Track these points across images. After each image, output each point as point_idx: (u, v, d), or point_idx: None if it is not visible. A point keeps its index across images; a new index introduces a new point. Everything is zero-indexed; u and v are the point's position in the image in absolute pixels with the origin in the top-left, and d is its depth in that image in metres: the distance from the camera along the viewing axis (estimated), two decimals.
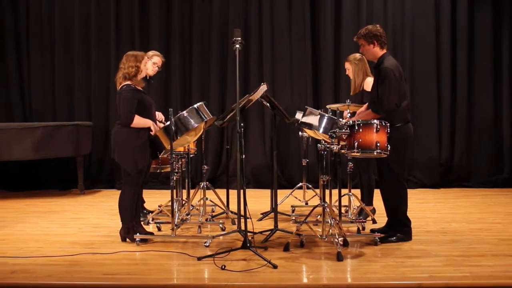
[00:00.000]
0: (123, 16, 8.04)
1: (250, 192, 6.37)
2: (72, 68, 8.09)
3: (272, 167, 5.29)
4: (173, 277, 3.82)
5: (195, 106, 4.68)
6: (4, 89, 8.13)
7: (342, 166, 5.35)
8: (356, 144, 4.29)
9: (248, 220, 4.23)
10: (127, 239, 4.63)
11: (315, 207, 4.58)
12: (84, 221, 5.67)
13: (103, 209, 6.29)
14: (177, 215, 4.93)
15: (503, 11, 7.88)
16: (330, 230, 4.33)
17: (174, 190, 4.73)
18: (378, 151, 4.25)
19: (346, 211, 5.44)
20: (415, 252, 4.24)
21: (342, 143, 4.46)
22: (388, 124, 4.32)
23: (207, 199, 5.67)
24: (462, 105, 7.92)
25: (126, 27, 8.02)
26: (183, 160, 5.44)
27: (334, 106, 5.26)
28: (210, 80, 8.01)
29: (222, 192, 5.91)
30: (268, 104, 5.09)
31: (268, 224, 5.27)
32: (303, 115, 4.89)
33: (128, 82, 4.58)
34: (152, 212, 5.55)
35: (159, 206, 5.64)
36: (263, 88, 4.69)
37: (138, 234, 4.58)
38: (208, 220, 5.41)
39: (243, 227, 4.27)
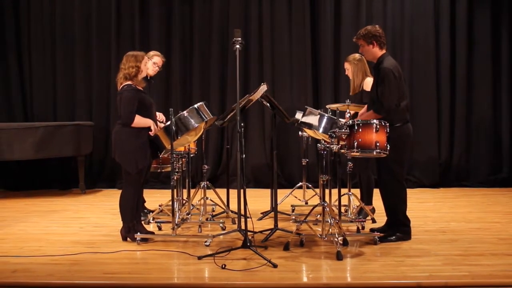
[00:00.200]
0: (123, 16, 8.05)
1: (250, 192, 6.38)
2: (73, 68, 8.11)
3: (272, 166, 5.31)
4: (174, 276, 3.84)
5: (196, 106, 4.69)
6: (5, 89, 8.15)
7: (342, 166, 5.37)
8: (355, 143, 4.30)
9: (248, 219, 4.25)
10: (128, 239, 4.65)
11: (315, 206, 4.59)
12: (85, 220, 5.69)
13: (104, 209, 6.31)
14: (177, 214, 4.95)
15: (502, 12, 7.89)
16: (330, 230, 4.34)
17: (175, 190, 4.74)
18: (378, 151, 4.26)
19: (346, 211, 5.46)
20: (414, 251, 4.26)
21: (341, 143, 4.47)
22: (388, 124, 4.34)
23: (207, 198, 5.69)
24: (461, 105, 7.93)
25: (127, 27, 8.04)
26: (183, 159, 5.45)
27: (333, 106, 5.27)
28: (210, 80, 8.03)
29: (222, 192, 5.92)
30: (268, 104, 5.10)
31: (268, 223, 5.29)
32: (303, 115, 4.91)
33: (129, 82, 4.60)
34: (152, 211, 5.56)
35: (159, 206, 5.65)
36: (263, 88, 4.70)
37: (138, 233, 4.60)
38: (209, 219, 5.43)
39: (243, 227, 4.29)
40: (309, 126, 4.83)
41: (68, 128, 7.25)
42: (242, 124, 4.27)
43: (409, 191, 4.77)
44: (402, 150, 4.50)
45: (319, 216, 4.72)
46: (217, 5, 8.00)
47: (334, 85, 7.91)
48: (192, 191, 5.77)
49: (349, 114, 4.99)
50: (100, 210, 6.27)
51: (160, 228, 5.17)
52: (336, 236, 4.26)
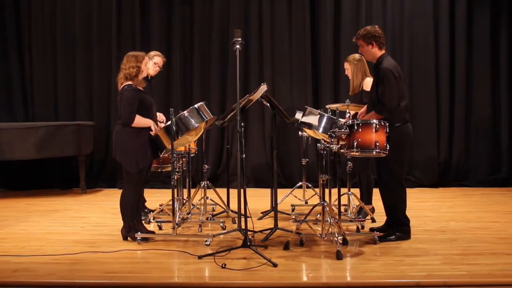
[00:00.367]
0: (124, 16, 8.07)
1: (250, 191, 6.40)
2: (73, 68, 8.13)
3: (272, 166, 5.32)
4: (174, 276, 3.85)
5: (196, 106, 4.71)
6: (6, 89, 8.17)
7: (342, 166, 5.38)
8: (355, 143, 4.31)
9: (248, 219, 4.26)
10: (129, 238, 4.67)
11: (314, 206, 4.59)
12: (86, 220, 5.70)
13: (105, 208, 6.32)
14: (178, 214, 4.96)
15: (501, 12, 7.90)
16: (330, 229, 4.36)
17: (175, 189, 4.76)
18: (377, 150, 4.27)
19: (346, 210, 5.48)
20: (414, 251, 4.27)
21: (341, 142, 4.48)
22: (387, 123, 4.35)
23: (207, 198, 5.70)
24: (460, 105, 7.94)
25: (127, 27, 8.06)
26: (183, 159, 5.47)
27: (333, 106, 5.28)
28: (210, 80, 8.05)
29: (222, 191, 5.93)
30: (268, 104, 5.12)
31: (268, 223, 5.30)
32: (303, 115, 4.92)
33: (129, 82, 4.62)
34: (153, 211, 5.58)
35: (160, 205, 5.67)
36: (263, 88, 4.72)
37: (139, 233, 4.62)
38: (209, 219, 5.44)
39: (243, 226, 4.31)
40: (309, 126, 4.84)
41: (69, 128, 7.27)
42: (242, 124, 4.28)
43: (409, 191, 4.79)
44: (401, 150, 4.51)
45: (319, 215, 4.73)
46: (217, 5, 8.02)
47: (334, 85, 7.92)
48: (193, 190, 5.78)
49: (348, 114, 5.02)
50: (101, 209, 6.29)
51: (160, 228, 5.19)
52: (336, 235, 4.27)
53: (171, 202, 4.82)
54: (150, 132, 4.61)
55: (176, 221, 4.74)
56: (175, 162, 4.77)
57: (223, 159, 7.94)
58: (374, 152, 4.29)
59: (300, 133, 6.13)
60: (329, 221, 4.35)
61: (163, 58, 5.69)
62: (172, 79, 8.04)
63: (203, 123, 4.74)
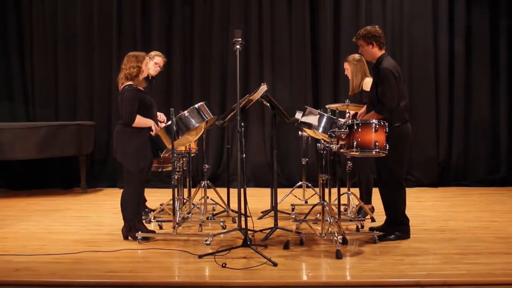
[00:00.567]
0: (125, 16, 8.08)
1: (250, 191, 6.40)
2: (74, 68, 8.15)
3: (272, 166, 5.33)
4: (174, 275, 3.87)
5: (196, 106, 4.72)
6: (7, 89, 8.18)
7: (341, 165, 5.40)
8: (355, 143, 4.33)
9: (248, 218, 4.26)
10: (129, 237, 4.69)
11: (314, 205, 4.60)
12: (87, 219, 5.72)
13: (105, 208, 6.34)
14: (178, 213, 4.98)
15: (500, 12, 7.91)
16: (330, 229, 4.37)
17: (176, 189, 4.77)
18: (377, 150, 4.29)
19: (345, 210, 5.49)
20: (413, 250, 4.28)
21: (341, 142, 4.50)
22: (387, 123, 4.36)
23: (208, 197, 5.71)
24: (459, 105, 7.96)
25: (128, 28, 8.07)
26: (184, 159, 5.48)
27: (333, 106, 5.29)
28: (210, 80, 8.06)
29: (222, 191, 5.94)
30: (268, 104, 5.13)
31: (268, 222, 5.31)
32: (303, 115, 4.93)
33: (130, 82, 4.63)
34: (153, 210, 5.60)
35: (160, 205, 5.68)
36: (263, 88, 4.73)
37: (139, 232, 4.63)
38: (209, 218, 5.46)
39: (243, 225, 4.32)
40: (309, 126, 4.85)
41: (70, 127, 7.29)
42: (242, 124, 4.30)
43: (408, 191, 4.80)
44: (401, 150, 4.52)
45: (318, 215, 4.74)
46: (217, 5, 8.03)
47: (334, 85, 7.94)
48: (193, 190, 5.79)
49: (348, 114, 5.03)
50: (102, 209, 6.30)
51: (161, 227, 5.21)
52: (336, 235, 4.28)
53: (171, 202, 4.83)
54: (151, 132, 4.63)
55: (177, 221, 4.75)
56: (176, 161, 4.79)
57: (223, 159, 7.96)
58: (373, 152, 4.31)
59: (300, 133, 6.14)
60: (329, 220, 4.36)
61: (164, 58, 5.70)
62: (173, 79, 8.05)
63: (203, 123, 4.76)
